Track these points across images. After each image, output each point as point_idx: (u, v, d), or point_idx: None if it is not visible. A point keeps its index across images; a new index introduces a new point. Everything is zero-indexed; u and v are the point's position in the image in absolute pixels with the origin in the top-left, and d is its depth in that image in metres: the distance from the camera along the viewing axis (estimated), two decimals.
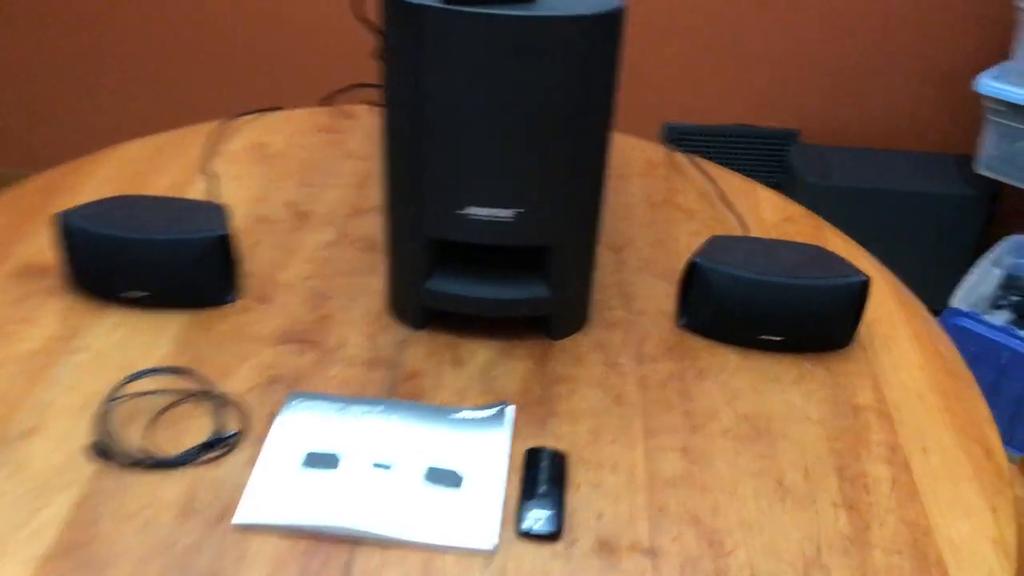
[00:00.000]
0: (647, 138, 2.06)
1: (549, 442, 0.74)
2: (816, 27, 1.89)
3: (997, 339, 1.44)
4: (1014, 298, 1.61)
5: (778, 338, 0.83)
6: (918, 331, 0.88)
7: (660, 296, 0.91)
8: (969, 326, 1.47)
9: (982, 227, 1.81)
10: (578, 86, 0.71)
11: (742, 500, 0.70)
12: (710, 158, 2.02)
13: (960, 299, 1.53)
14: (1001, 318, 1.58)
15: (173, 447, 0.71)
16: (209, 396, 0.76)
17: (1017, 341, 1.47)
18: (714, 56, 1.94)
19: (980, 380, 1.47)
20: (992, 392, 1.50)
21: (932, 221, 1.81)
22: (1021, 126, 1.58)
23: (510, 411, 0.76)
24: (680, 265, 0.95)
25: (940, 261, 1.84)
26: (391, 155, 0.77)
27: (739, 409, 0.78)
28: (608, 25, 0.70)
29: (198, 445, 0.71)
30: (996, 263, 1.63)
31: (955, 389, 0.82)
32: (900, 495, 0.71)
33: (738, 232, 1.00)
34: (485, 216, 0.76)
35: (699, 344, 0.85)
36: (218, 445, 0.72)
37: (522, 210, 0.76)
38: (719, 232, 1.00)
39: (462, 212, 0.76)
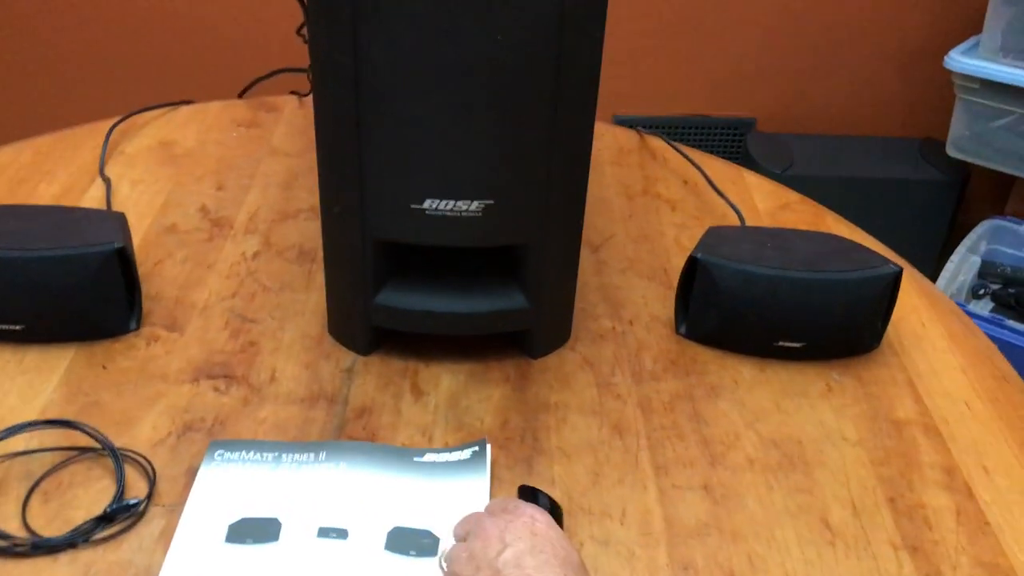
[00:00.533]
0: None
1: (540, 487, 0.59)
2: (771, 8, 1.78)
3: (989, 332, 1.35)
4: (994, 286, 1.53)
5: (798, 344, 0.70)
6: (952, 329, 0.76)
7: (652, 300, 0.77)
8: None
9: (953, 213, 1.72)
10: (556, 42, 0.57)
11: (784, 548, 0.57)
12: None
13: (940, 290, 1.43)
14: (983, 307, 1.50)
15: (59, 524, 0.55)
16: (105, 453, 0.60)
17: (1007, 332, 1.38)
18: (664, 42, 1.83)
19: None
20: None
21: (901, 209, 1.72)
22: (994, 104, 1.50)
23: (488, 451, 0.61)
24: (669, 263, 0.82)
25: (911, 250, 1.75)
26: (325, 141, 0.62)
27: (763, 432, 0.65)
28: None
29: (92, 519, 0.55)
30: (972, 250, 1.55)
31: (1006, 394, 0.70)
32: (968, 528, 0.59)
33: (732, 222, 0.87)
34: (445, 211, 0.61)
35: (705, 355, 0.71)
36: (119, 517, 0.56)
37: (490, 202, 0.62)
38: (709, 223, 0.87)
39: (416, 207, 0.61)
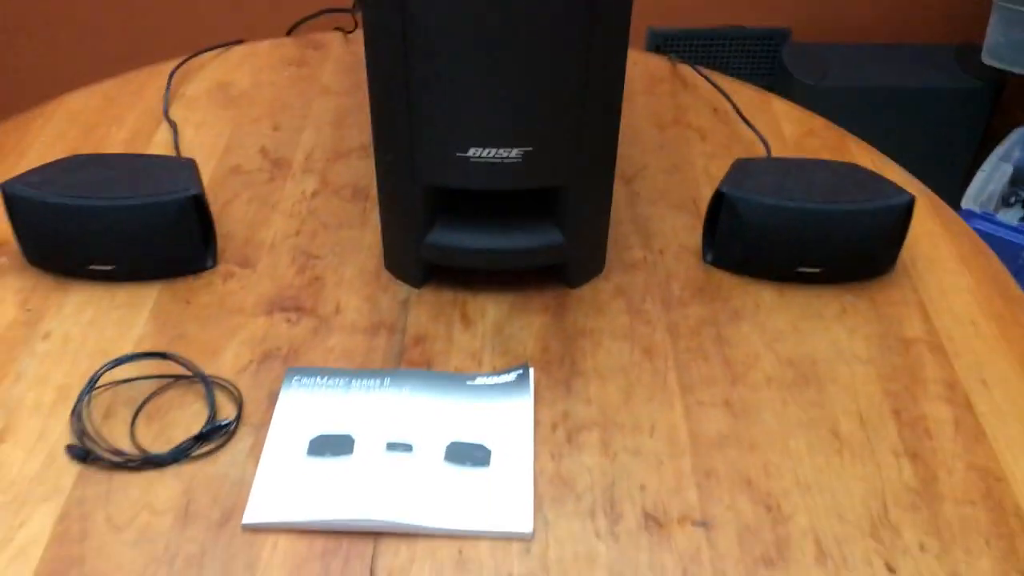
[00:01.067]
0: (631, 44, 1.94)
1: (578, 406, 0.67)
2: None
3: (1013, 239, 1.38)
4: None
5: (816, 269, 0.76)
6: (963, 251, 0.82)
7: (681, 230, 0.83)
8: (983, 227, 1.41)
9: (987, 121, 1.73)
10: (587, 2, 0.62)
11: (796, 457, 0.64)
12: (700, 63, 1.92)
13: (970, 198, 1.46)
14: (1013, 216, 1.53)
15: (163, 442, 0.64)
16: (196, 380, 0.68)
17: None
18: None
19: None
20: None
21: (935, 117, 1.73)
22: None
23: (531, 374, 0.69)
24: (698, 193, 0.87)
25: (945, 159, 1.77)
26: (377, 96, 0.68)
27: (781, 353, 0.71)
28: None
29: (191, 438, 0.64)
30: (1005, 158, 1.56)
31: (1011, 313, 0.75)
32: (965, 437, 0.66)
33: (758, 151, 0.91)
34: (488, 158, 0.67)
35: (730, 281, 0.78)
36: (213, 436, 0.64)
37: (530, 148, 0.67)
38: (737, 152, 0.92)
39: (462, 155, 0.68)
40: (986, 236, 1.40)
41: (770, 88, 1.94)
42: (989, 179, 1.53)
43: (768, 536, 0.59)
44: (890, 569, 0.57)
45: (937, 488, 0.62)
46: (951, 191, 1.72)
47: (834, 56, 1.81)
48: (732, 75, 1.93)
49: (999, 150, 1.56)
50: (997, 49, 1.59)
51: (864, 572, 0.57)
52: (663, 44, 1.89)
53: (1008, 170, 1.57)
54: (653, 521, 0.60)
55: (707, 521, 0.60)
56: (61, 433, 0.64)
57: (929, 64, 1.77)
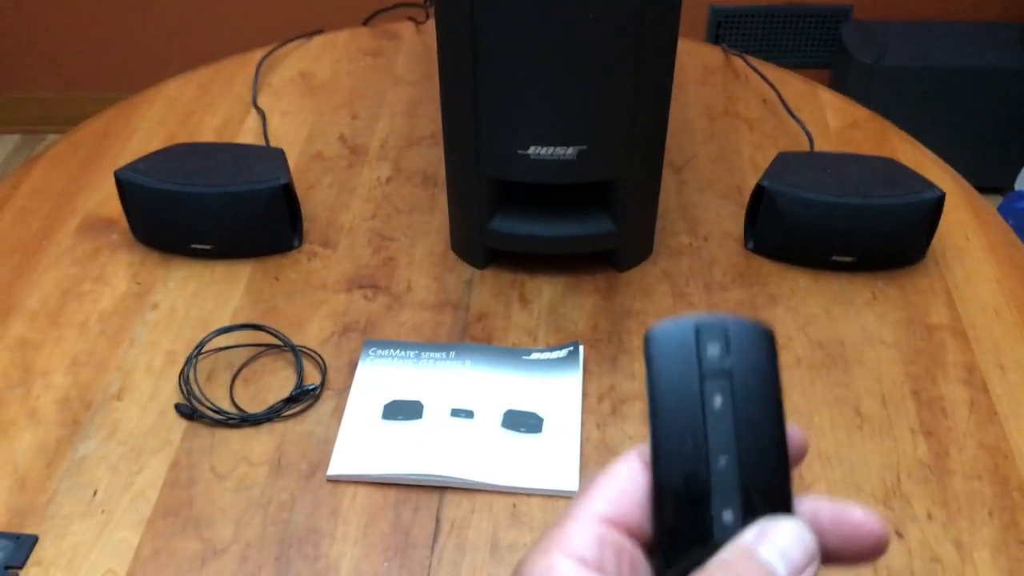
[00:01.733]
0: (691, 23, 1.98)
1: (623, 381, 0.74)
2: None
3: None
4: None
5: (849, 259, 0.81)
6: (992, 241, 0.86)
7: (725, 218, 0.89)
8: None
9: None
10: (640, 11, 0.68)
11: (820, 431, 0.71)
12: (760, 41, 1.95)
13: (1023, 180, 1.49)
14: None
15: (257, 403, 0.73)
16: (286, 349, 0.77)
17: None
18: None
19: None
20: None
21: (994, 98, 1.74)
22: None
23: (581, 350, 0.76)
24: (744, 183, 0.93)
25: (1003, 140, 1.78)
26: (448, 96, 0.76)
27: (812, 335, 0.78)
28: None
29: (282, 400, 0.73)
30: None
31: None
32: (979, 418, 0.71)
33: (802, 142, 0.97)
34: (546, 156, 0.75)
35: (768, 268, 0.84)
36: (301, 399, 0.74)
37: (583, 147, 0.74)
38: (783, 144, 0.97)
39: (523, 152, 0.75)
40: None
41: (829, 66, 1.96)
42: None
43: None
44: (899, 534, 0.64)
45: (948, 463, 0.68)
46: (1010, 171, 1.73)
47: (894, 34, 1.82)
48: (793, 53, 1.96)
49: None
50: None
51: None
52: (724, 22, 1.92)
53: None
54: None
55: None
56: (170, 393, 0.74)
57: (991, 43, 1.78)
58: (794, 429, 0.33)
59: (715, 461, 0.31)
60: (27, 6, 2.12)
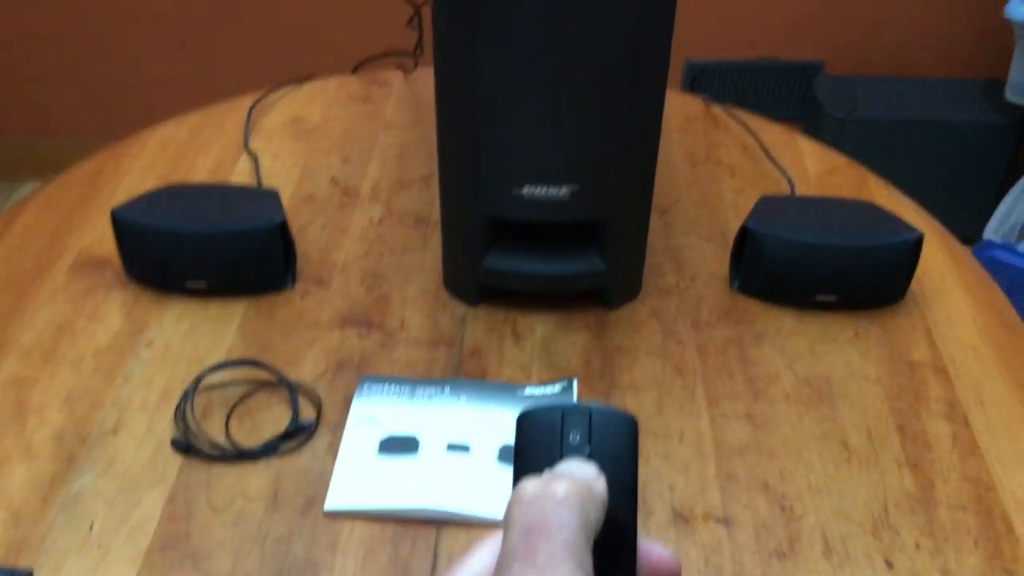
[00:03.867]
0: (669, 76, 2.03)
1: None
2: None
3: None
4: None
5: (832, 298, 0.84)
6: (969, 282, 0.89)
7: (711, 259, 0.92)
8: (1003, 257, 1.48)
9: (1012, 155, 1.79)
10: (632, 56, 0.71)
11: (808, 464, 0.72)
12: (734, 94, 2.00)
13: (992, 230, 1.53)
14: None
15: (253, 438, 0.74)
16: (281, 385, 0.78)
17: None
18: None
19: (1017, 311, 1.48)
20: None
21: (962, 150, 1.80)
22: None
23: (575, 385, 0.78)
24: (727, 225, 0.96)
25: (970, 191, 1.84)
26: (445, 136, 0.78)
27: (799, 372, 0.80)
28: None
29: (278, 435, 0.73)
30: None
31: (1009, 340, 0.83)
32: (961, 451, 0.73)
33: (783, 187, 1.00)
34: (539, 195, 0.77)
35: (754, 307, 0.86)
36: (297, 434, 0.74)
37: (576, 187, 0.77)
38: (764, 188, 1.00)
39: (517, 191, 0.77)
40: (1005, 266, 1.47)
41: (802, 119, 2.02)
42: (1011, 210, 1.60)
43: (781, 532, 0.67)
44: (888, 564, 0.65)
45: (933, 495, 0.70)
46: (976, 221, 1.79)
47: (864, 88, 1.89)
48: (766, 106, 2.02)
49: (1022, 183, 1.62)
50: (1020, 86, 1.65)
51: (865, 566, 0.65)
52: (700, 76, 1.98)
53: None
54: (680, 517, 0.68)
55: (728, 518, 0.68)
56: (166, 428, 0.74)
57: (956, 98, 1.85)
58: (665, 553, 0.36)
59: None
60: (5, 51, 2.13)
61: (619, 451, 0.36)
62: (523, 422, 0.37)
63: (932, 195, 1.84)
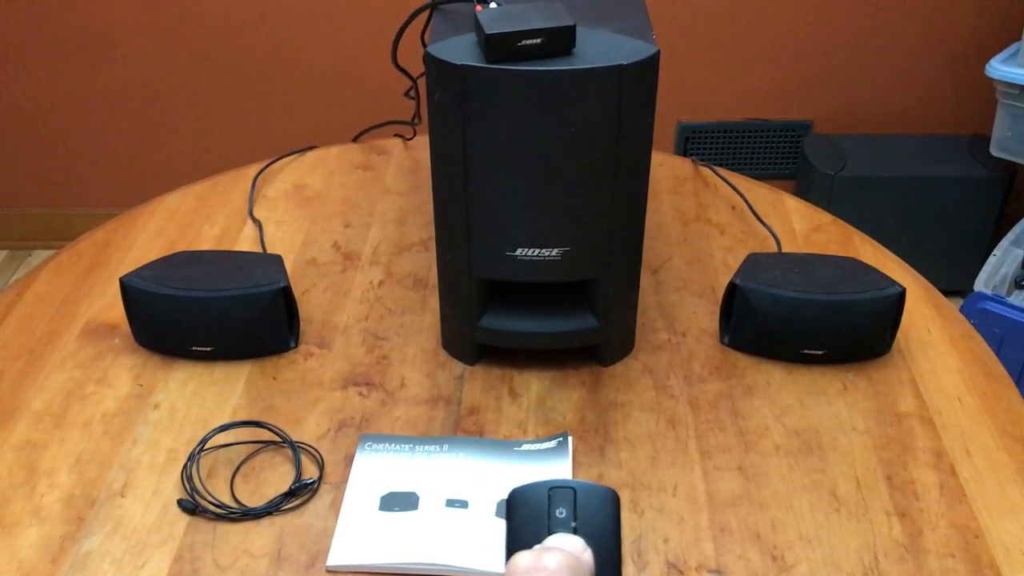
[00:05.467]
0: (661, 137, 2.08)
1: (610, 469, 0.78)
2: (823, 15, 1.91)
3: (1023, 321, 1.47)
4: None
5: (820, 351, 0.86)
6: (953, 334, 0.92)
7: (701, 315, 0.94)
8: (994, 309, 1.50)
9: (1000, 208, 1.83)
10: (617, 130, 0.74)
11: (799, 515, 0.74)
12: (725, 155, 2.05)
13: (983, 282, 1.56)
14: None
15: (257, 497, 0.76)
16: (284, 445, 0.80)
17: None
18: (723, 53, 1.97)
19: (1007, 363, 1.50)
20: (1021, 376, 1.53)
21: (950, 205, 1.84)
22: None
23: (570, 441, 0.80)
24: (717, 282, 0.99)
25: (960, 244, 1.87)
26: (441, 203, 0.81)
27: (788, 424, 0.82)
28: (644, 71, 0.73)
29: (281, 494, 0.75)
30: (1016, 243, 1.66)
31: (993, 390, 0.85)
32: (949, 499, 0.75)
33: (770, 245, 1.03)
34: (532, 257, 0.80)
35: (744, 361, 0.88)
36: (300, 492, 0.76)
37: (567, 248, 0.80)
38: (752, 246, 1.03)
39: (511, 254, 0.80)
40: (996, 317, 1.49)
41: (793, 177, 2.06)
42: (1001, 263, 1.63)
43: None
44: None
45: (922, 543, 0.72)
46: (966, 274, 1.82)
47: (853, 146, 1.93)
48: (758, 165, 2.06)
49: (1010, 235, 1.65)
50: (1004, 142, 1.70)
51: None
52: (692, 137, 2.03)
53: (1019, 255, 1.67)
54: (675, 569, 0.70)
55: (721, 570, 0.70)
56: (172, 489, 0.76)
57: (944, 154, 1.89)
58: None
59: None
60: (15, 123, 2.19)
61: (603, 523, 0.39)
62: (513, 499, 0.40)
63: (922, 249, 1.88)
